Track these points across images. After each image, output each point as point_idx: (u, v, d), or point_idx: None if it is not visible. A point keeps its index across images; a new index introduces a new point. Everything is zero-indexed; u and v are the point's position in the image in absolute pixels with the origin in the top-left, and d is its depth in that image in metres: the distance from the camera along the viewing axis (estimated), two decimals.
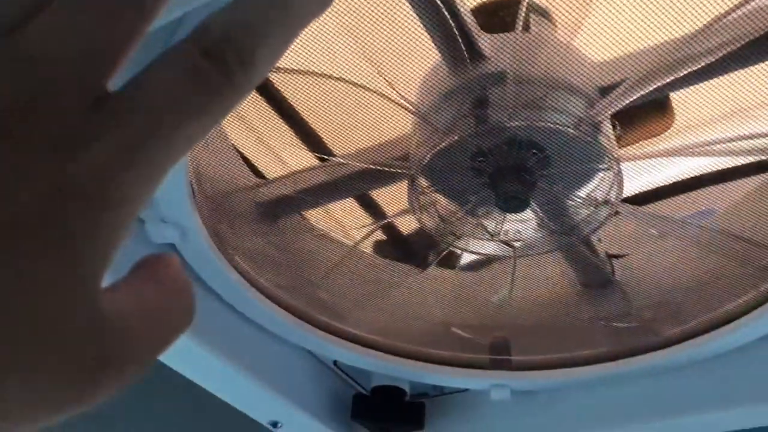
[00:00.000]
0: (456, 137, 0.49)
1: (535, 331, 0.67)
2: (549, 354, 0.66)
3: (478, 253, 0.59)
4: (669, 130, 0.55)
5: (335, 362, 0.68)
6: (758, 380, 0.59)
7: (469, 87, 0.48)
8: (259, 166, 0.63)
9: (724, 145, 0.51)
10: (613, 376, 0.64)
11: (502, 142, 0.49)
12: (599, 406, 0.64)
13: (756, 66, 0.45)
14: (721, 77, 0.46)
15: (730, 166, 0.60)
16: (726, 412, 0.60)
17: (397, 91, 0.48)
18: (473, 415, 0.69)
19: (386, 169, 0.52)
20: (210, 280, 0.57)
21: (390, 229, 0.70)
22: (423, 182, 0.54)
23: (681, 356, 0.61)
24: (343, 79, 0.50)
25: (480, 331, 0.68)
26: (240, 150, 0.60)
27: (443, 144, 0.49)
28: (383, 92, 0.50)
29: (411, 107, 0.50)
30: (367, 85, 0.50)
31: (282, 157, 0.64)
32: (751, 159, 0.58)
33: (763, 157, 0.57)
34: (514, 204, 0.51)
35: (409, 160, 0.53)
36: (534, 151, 0.49)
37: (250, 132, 0.61)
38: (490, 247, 0.58)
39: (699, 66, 0.43)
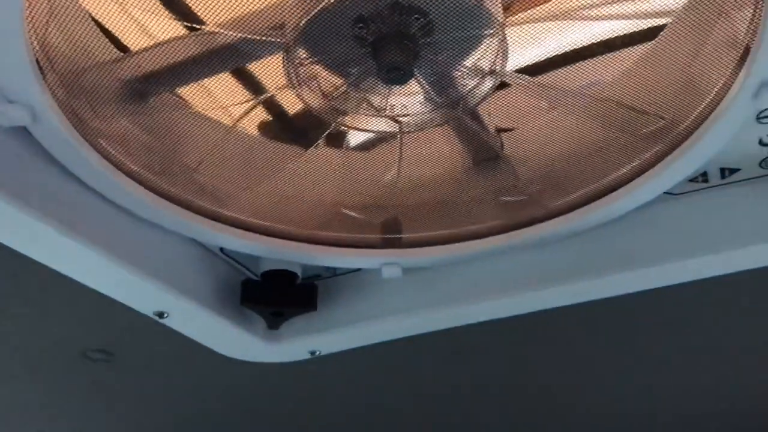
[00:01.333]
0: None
1: (426, 208, 0.66)
2: (439, 230, 0.66)
3: (364, 130, 0.56)
4: None
5: (222, 249, 0.66)
6: (636, 248, 0.61)
7: None
8: (121, 38, 0.56)
9: (608, 8, 0.49)
10: (501, 249, 0.64)
11: (383, 6, 0.46)
12: (488, 278, 0.65)
13: None
14: None
15: (617, 35, 0.59)
16: (604, 278, 0.62)
17: None
18: (366, 294, 0.69)
19: (260, 38, 0.48)
20: (72, 165, 0.52)
21: (274, 107, 0.66)
22: (301, 53, 0.50)
23: (565, 227, 0.62)
24: None
25: (371, 211, 0.67)
26: (97, 19, 0.53)
27: (319, 7, 0.45)
28: None
29: None
30: None
31: (146, 26, 0.58)
32: (637, 26, 0.57)
33: (649, 24, 0.56)
34: (396, 75, 0.48)
35: (284, 29, 0.49)
36: (417, 16, 0.46)
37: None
38: (376, 124, 0.56)
39: None
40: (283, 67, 0.50)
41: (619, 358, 0.82)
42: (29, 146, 0.50)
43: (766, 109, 0.52)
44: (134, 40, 0.57)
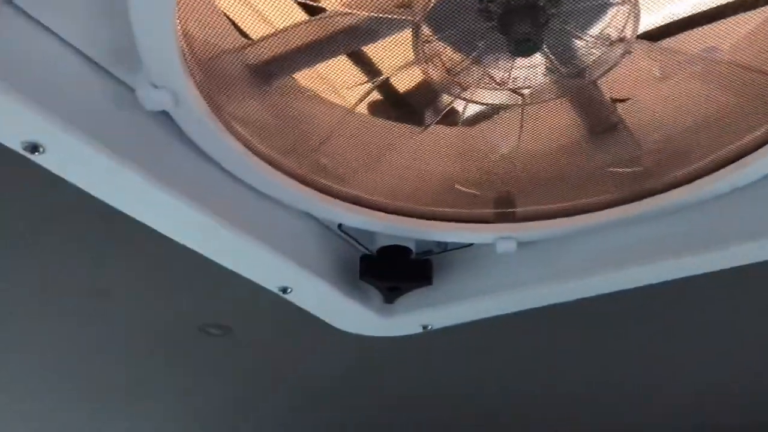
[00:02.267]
0: None
1: (540, 182, 0.66)
2: (554, 203, 0.66)
3: (486, 104, 0.56)
4: None
5: (340, 225, 0.67)
6: (759, 218, 0.60)
7: None
8: (242, 26, 0.58)
9: None
10: (618, 222, 0.64)
11: None
12: (604, 251, 0.65)
13: None
14: None
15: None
16: (735, 248, 0.61)
17: None
18: (478, 269, 0.70)
19: (390, 16, 0.49)
20: (208, 147, 0.54)
21: (386, 87, 0.67)
22: (427, 30, 0.51)
23: (688, 197, 0.61)
24: None
25: (484, 186, 0.67)
26: (224, 10, 0.56)
27: None
28: None
29: None
30: None
31: (266, 14, 0.60)
32: None
33: None
34: (526, 47, 0.48)
35: (411, 7, 0.49)
36: None
37: None
38: (497, 97, 0.56)
39: None
40: (412, 44, 0.50)
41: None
42: (169, 130, 0.52)
43: None
44: (256, 29, 0.59)
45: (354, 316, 0.73)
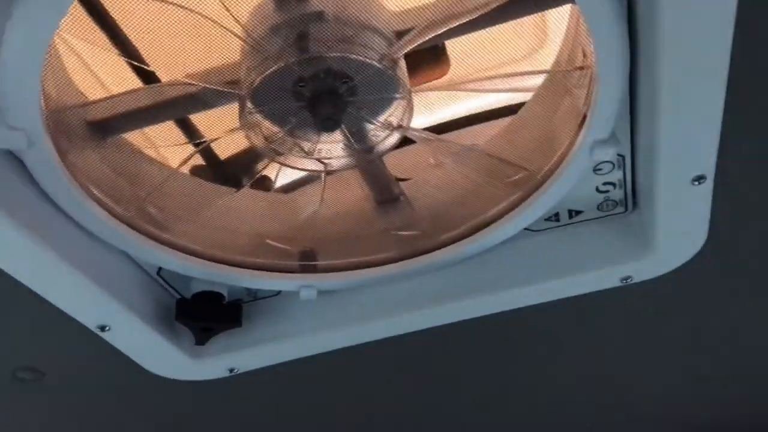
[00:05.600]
0: (282, 64, 0.58)
1: (338, 240, 0.79)
2: (349, 258, 0.78)
3: (295, 167, 0.69)
4: (450, 75, 0.69)
5: (159, 270, 0.75)
6: (508, 270, 0.77)
7: (293, 22, 0.58)
8: (80, 87, 0.67)
9: (489, 84, 0.65)
10: (400, 275, 0.78)
11: (320, 70, 0.60)
12: (391, 298, 0.78)
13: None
14: (490, 29, 0.61)
15: (491, 108, 0.76)
16: (487, 297, 0.77)
17: (234, 17, 0.56)
18: (285, 315, 0.80)
19: (221, 89, 0.60)
20: (49, 188, 0.61)
21: (207, 153, 0.77)
22: (249, 104, 0.63)
23: (452, 255, 0.77)
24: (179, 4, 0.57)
25: (291, 242, 0.79)
26: (71, 73, 0.64)
27: (271, 69, 0.58)
28: (217, 19, 0.57)
29: (243, 36, 0.58)
30: (201, 11, 0.57)
31: (100, 78, 0.69)
32: (508, 99, 0.75)
33: (515, 99, 0.74)
34: (328, 124, 0.62)
35: (238, 84, 0.61)
36: (345, 79, 0.61)
37: (72, 53, 0.65)
38: (305, 164, 0.69)
39: (473, 17, 0.57)
40: (238, 114, 0.62)
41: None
42: (15, 169, 0.59)
43: (599, 163, 0.69)
44: (94, 91, 0.68)
45: (167, 358, 0.80)
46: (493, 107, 0.77)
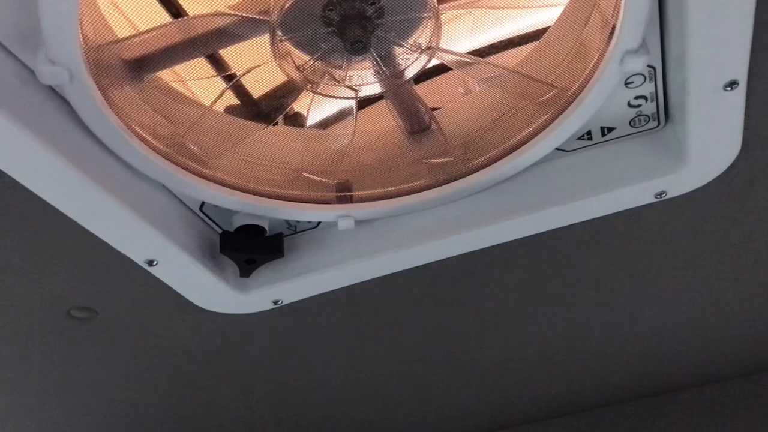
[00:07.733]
0: None
1: (372, 171, 0.81)
2: (384, 188, 0.80)
3: (328, 95, 0.70)
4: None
5: (202, 205, 0.77)
6: (543, 191, 0.78)
7: None
8: (114, 26, 0.68)
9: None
10: (436, 201, 0.79)
11: None
12: (427, 225, 0.80)
13: None
14: None
15: (515, 35, 0.76)
16: (522, 218, 0.78)
17: None
18: (325, 246, 0.82)
19: (254, 16, 0.61)
20: (92, 123, 0.63)
21: (241, 91, 0.79)
22: (280, 32, 0.64)
23: (486, 179, 0.78)
24: None
25: (327, 174, 0.80)
26: (103, 11, 0.66)
27: None
28: None
29: None
30: None
31: (132, 20, 0.70)
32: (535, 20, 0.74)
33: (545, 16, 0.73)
34: (357, 47, 0.62)
35: (268, 13, 0.62)
36: (372, 1, 0.61)
37: None
38: (337, 91, 0.70)
39: None
40: (270, 44, 0.63)
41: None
42: (59, 105, 0.61)
43: (630, 75, 0.69)
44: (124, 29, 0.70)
45: (213, 291, 0.83)
46: (517, 34, 0.77)
